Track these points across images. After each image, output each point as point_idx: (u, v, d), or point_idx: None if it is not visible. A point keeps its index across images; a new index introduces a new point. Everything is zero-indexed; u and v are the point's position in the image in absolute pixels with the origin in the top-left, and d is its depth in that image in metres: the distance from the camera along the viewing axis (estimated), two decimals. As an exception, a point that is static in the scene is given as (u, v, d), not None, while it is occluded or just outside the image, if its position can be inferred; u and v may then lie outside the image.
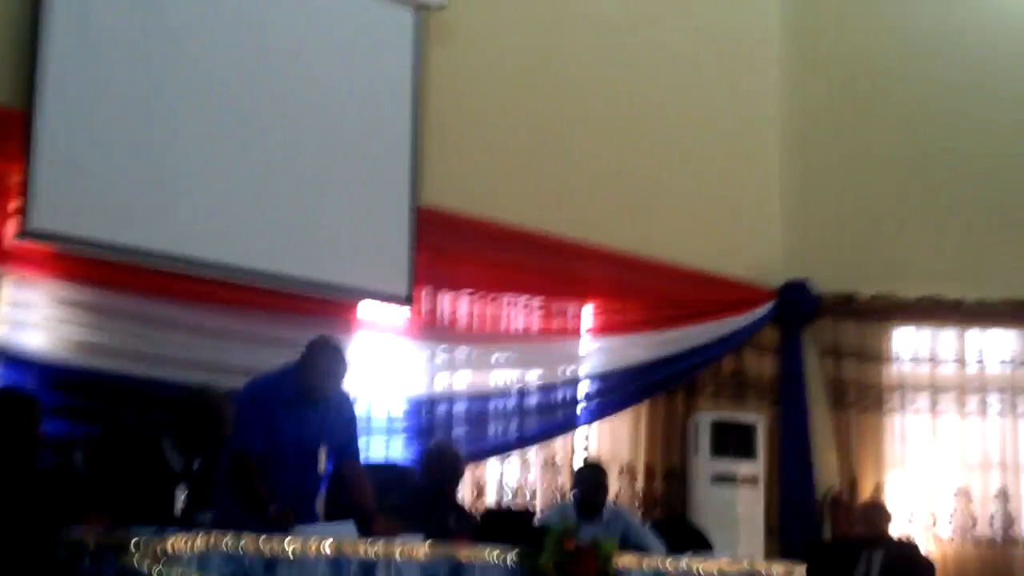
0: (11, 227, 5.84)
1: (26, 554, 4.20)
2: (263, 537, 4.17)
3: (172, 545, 3.88)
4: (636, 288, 8.33)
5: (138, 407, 5.92)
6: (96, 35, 6.18)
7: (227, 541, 4.04)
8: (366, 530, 5.04)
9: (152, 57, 6.36)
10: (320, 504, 5.84)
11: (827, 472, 8.61)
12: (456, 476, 5.95)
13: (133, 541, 3.86)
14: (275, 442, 5.14)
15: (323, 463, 5.31)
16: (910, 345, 8.81)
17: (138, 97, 6.27)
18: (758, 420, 8.43)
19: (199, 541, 3.97)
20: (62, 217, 5.93)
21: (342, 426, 5.41)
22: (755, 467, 8.28)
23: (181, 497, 4.89)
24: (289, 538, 4.27)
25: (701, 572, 5.51)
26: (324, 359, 5.24)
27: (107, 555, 3.93)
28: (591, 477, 6.49)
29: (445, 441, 6.53)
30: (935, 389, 8.69)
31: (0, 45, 6.02)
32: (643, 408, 8.26)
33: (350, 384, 6.48)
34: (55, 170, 5.93)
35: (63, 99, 6.00)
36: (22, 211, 5.81)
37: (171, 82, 6.40)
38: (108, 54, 6.22)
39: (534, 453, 7.77)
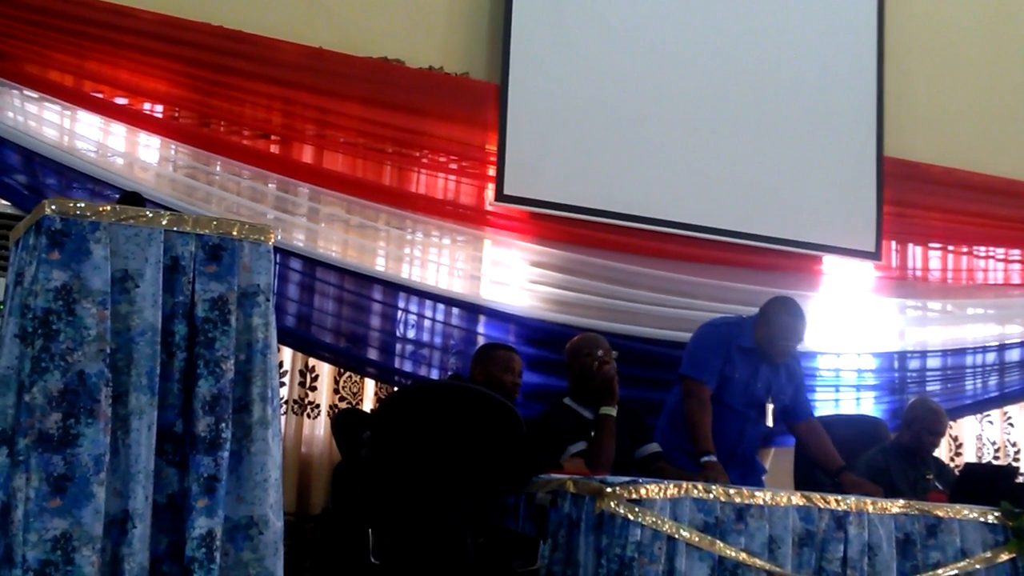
0: (489, 192, 6.19)
1: (511, 497, 4.46)
2: (734, 488, 4.24)
3: (645, 492, 4.02)
4: None
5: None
6: (563, 9, 6.41)
7: (698, 490, 4.14)
8: (835, 486, 5.04)
9: (615, 26, 6.50)
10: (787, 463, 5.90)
11: None
12: (938, 432, 5.75)
13: (609, 487, 4.02)
14: (726, 383, 5.26)
15: (770, 418, 5.37)
16: None
17: (603, 66, 6.43)
18: None
19: (671, 489, 4.08)
20: (534, 182, 6.20)
21: (791, 386, 5.45)
22: None
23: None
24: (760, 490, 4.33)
25: None
26: (786, 320, 5.30)
27: (585, 500, 4.11)
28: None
29: (927, 396, 6.33)
30: None
31: (477, 26, 6.36)
32: None
33: (813, 339, 6.48)
34: (526, 138, 6.20)
35: (534, 72, 6.26)
36: (498, 177, 6.14)
37: (633, 49, 6.51)
38: (574, 26, 6.42)
39: (1018, 410, 7.34)
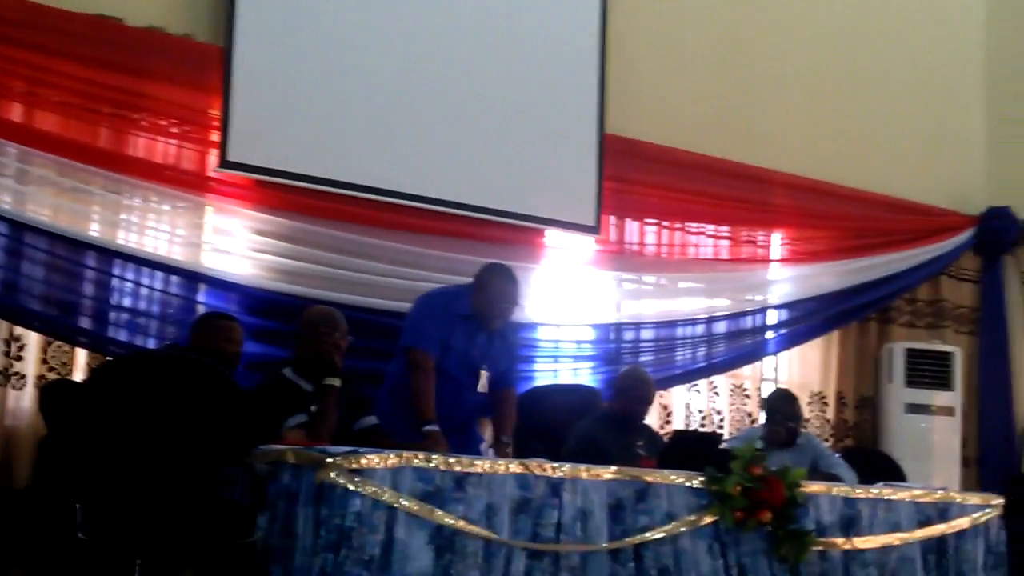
0: (212, 158, 6.03)
1: (228, 468, 4.38)
2: (454, 457, 4.28)
3: (366, 461, 4.01)
4: (828, 216, 8.17)
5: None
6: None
7: (419, 459, 4.16)
8: (497, 451, 5.21)
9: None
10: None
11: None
12: (647, 400, 5.98)
13: (329, 458, 4.00)
14: (447, 352, 5.35)
15: (484, 384, 5.46)
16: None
17: (332, 33, 6.38)
18: (956, 349, 8.22)
19: (392, 458, 4.08)
20: (259, 149, 6.09)
21: (505, 354, 5.55)
22: (952, 397, 8.11)
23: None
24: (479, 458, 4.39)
25: (893, 501, 5.41)
26: (499, 284, 5.39)
27: (305, 470, 4.08)
28: (782, 404, 6.42)
29: (638, 366, 6.56)
30: None
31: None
32: (834, 336, 8.15)
33: (535, 311, 6.62)
34: (252, 104, 6.07)
35: (260, 36, 6.13)
36: (222, 143, 5.99)
37: (363, 16, 6.49)
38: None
39: (722, 380, 7.71)
